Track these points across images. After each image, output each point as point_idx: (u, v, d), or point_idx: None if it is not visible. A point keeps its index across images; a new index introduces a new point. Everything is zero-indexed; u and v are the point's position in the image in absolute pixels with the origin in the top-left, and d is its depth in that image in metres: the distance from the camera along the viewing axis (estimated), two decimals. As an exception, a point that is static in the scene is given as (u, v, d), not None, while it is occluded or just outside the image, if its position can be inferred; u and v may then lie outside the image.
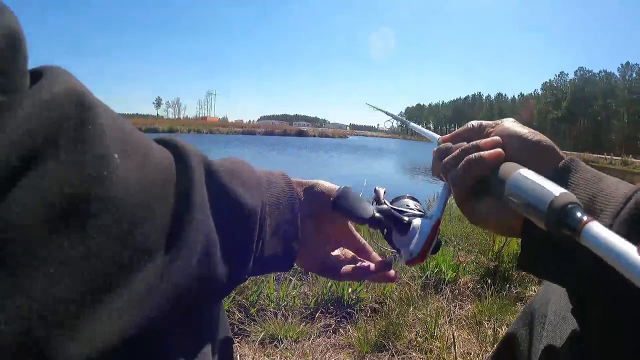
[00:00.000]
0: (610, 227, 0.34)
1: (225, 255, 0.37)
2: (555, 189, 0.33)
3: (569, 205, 0.31)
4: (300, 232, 0.47)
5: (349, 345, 1.73)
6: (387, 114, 0.90)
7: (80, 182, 0.25)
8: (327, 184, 0.52)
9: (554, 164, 0.41)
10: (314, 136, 63.87)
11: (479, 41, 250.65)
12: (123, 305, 0.27)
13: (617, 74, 76.34)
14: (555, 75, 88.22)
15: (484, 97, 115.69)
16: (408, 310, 2.00)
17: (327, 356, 1.61)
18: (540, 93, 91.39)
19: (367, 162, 22.56)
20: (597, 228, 0.28)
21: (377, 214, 0.47)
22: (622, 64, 75.08)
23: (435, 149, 0.50)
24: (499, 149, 0.43)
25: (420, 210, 0.51)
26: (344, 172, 16.32)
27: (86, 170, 0.25)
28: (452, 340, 1.69)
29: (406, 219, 0.48)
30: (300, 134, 63.95)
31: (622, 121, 73.36)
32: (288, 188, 0.48)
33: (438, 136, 0.53)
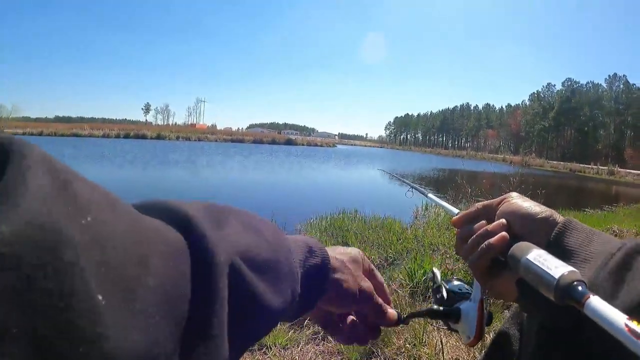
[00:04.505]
0: (596, 278, 0.41)
1: (241, 349, 0.35)
2: (563, 268, 0.39)
3: (575, 282, 0.37)
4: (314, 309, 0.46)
5: (338, 352, 1.73)
6: (405, 182, 1.06)
7: (69, 349, 0.20)
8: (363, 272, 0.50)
9: (550, 232, 0.48)
10: (303, 145, 64.02)
11: (467, 53, 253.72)
12: None
13: (604, 85, 77.84)
14: (543, 86, 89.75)
15: (472, 108, 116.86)
16: (397, 317, 2.00)
17: (316, 363, 1.61)
18: (527, 104, 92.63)
19: (358, 170, 22.66)
20: (597, 302, 0.34)
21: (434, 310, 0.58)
22: (609, 75, 76.55)
23: (457, 230, 0.58)
24: (504, 233, 0.50)
25: (466, 290, 0.60)
26: (334, 179, 16.38)
27: (72, 339, 0.20)
28: (441, 346, 1.70)
29: (456, 306, 0.58)
30: (289, 142, 64.11)
31: (608, 131, 74.57)
32: (321, 274, 0.45)
33: (457, 210, 0.61)
